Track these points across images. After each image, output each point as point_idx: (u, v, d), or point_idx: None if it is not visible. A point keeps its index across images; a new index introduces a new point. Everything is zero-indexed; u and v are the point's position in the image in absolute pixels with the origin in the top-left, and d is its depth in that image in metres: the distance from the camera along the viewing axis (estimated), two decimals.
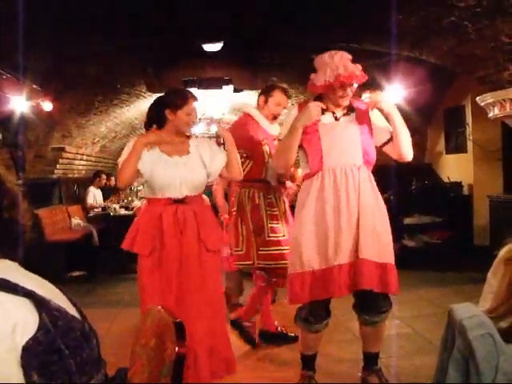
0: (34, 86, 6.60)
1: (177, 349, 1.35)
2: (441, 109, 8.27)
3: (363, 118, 3.20)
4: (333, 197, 3.06)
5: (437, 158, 8.57)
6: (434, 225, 7.57)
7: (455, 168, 8.05)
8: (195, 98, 3.17)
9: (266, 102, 3.98)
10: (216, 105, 9.42)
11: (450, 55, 4.98)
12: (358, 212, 3.05)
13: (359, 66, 3.07)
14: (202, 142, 3.27)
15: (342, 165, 3.09)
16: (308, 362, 3.38)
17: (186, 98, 3.11)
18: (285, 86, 8.39)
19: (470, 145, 7.58)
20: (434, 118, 8.49)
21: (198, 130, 11.46)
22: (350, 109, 3.21)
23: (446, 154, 8.32)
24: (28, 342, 1.06)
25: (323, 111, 3.13)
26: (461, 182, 7.77)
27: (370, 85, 4.38)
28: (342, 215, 3.03)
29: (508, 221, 5.93)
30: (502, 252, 1.65)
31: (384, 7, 4.31)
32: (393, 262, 3.13)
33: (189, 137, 3.26)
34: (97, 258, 7.55)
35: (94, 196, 9.20)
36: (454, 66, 5.34)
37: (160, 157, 3.09)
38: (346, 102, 3.17)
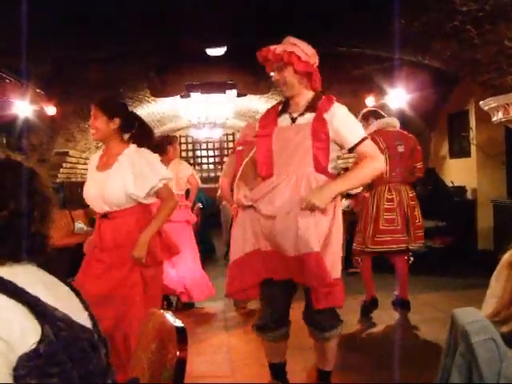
0: (38, 91, 6.63)
1: (178, 353, 1.34)
2: (444, 113, 8.26)
3: (321, 121, 2.84)
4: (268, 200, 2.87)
5: (440, 162, 8.56)
6: (438, 229, 7.54)
7: (459, 172, 8.03)
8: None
9: None
10: (219, 109, 9.42)
11: (453, 60, 4.98)
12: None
13: (306, 50, 2.86)
14: (137, 158, 3.00)
15: (290, 173, 2.85)
16: (275, 370, 3.18)
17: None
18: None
19: (473, 149, 7.57)
20: (438, 122, 8.47)
21: (201, 134, 11.41)
22: (310, 108, 2.88)
23: (450, 158, 8.31)
24: (28, 353, 1.04)
25: (281, 113, 2.95)
26: (464, 187, 7.76)
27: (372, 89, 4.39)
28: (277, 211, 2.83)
29: None
30: (506, 256, 1.64)
31: (386, 12, 4.31)
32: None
33: (125, 146, 3.07)
34: None
35: None
36: (457, 70, 5.35)
37: (92, 172, 3.13)
38: (302, 101, 2.90)
